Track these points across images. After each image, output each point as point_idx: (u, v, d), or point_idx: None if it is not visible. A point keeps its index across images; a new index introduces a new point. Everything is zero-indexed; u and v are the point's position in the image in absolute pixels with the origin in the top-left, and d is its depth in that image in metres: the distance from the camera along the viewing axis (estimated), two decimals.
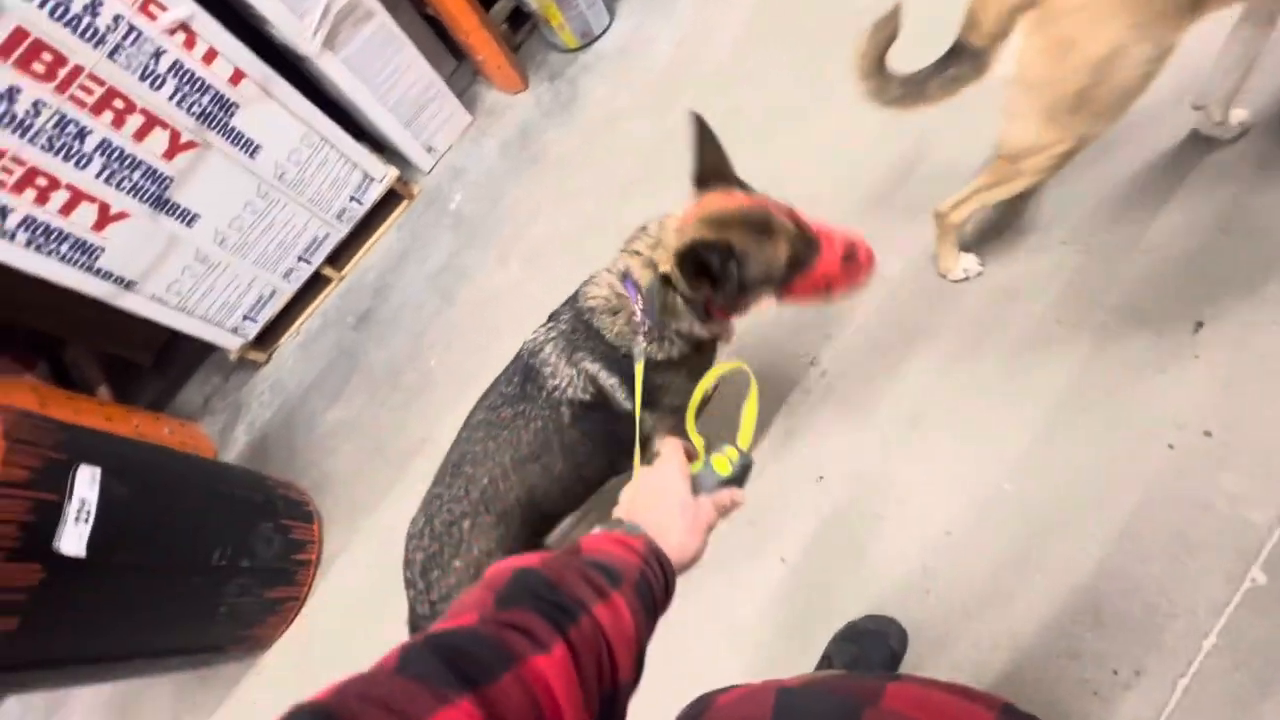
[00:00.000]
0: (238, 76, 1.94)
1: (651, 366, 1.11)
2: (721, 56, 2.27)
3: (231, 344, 2.40)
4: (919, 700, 0.56)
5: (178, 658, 1.77)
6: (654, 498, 0.68)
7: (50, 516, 1.37)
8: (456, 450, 1.23)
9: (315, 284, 2.54)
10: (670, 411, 1.23)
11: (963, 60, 1.08)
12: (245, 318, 2.38)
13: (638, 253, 1.13)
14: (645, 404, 1.14)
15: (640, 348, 1.06)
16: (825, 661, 1.37)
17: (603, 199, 2.22)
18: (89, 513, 1.41)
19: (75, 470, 1.44)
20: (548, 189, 2.35)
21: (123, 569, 1.49)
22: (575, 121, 2.44)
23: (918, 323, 1.63)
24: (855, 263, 1.10)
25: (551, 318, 1.26)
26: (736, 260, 1.01)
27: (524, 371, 1.20)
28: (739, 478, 0.77)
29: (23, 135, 1.70)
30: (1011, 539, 1.37)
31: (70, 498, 1.40)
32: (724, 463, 0.76)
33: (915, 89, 1.13)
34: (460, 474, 1.19)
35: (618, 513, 0.69)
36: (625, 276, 1.13)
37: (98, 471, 1.48)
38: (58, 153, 1.76)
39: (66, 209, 1.84)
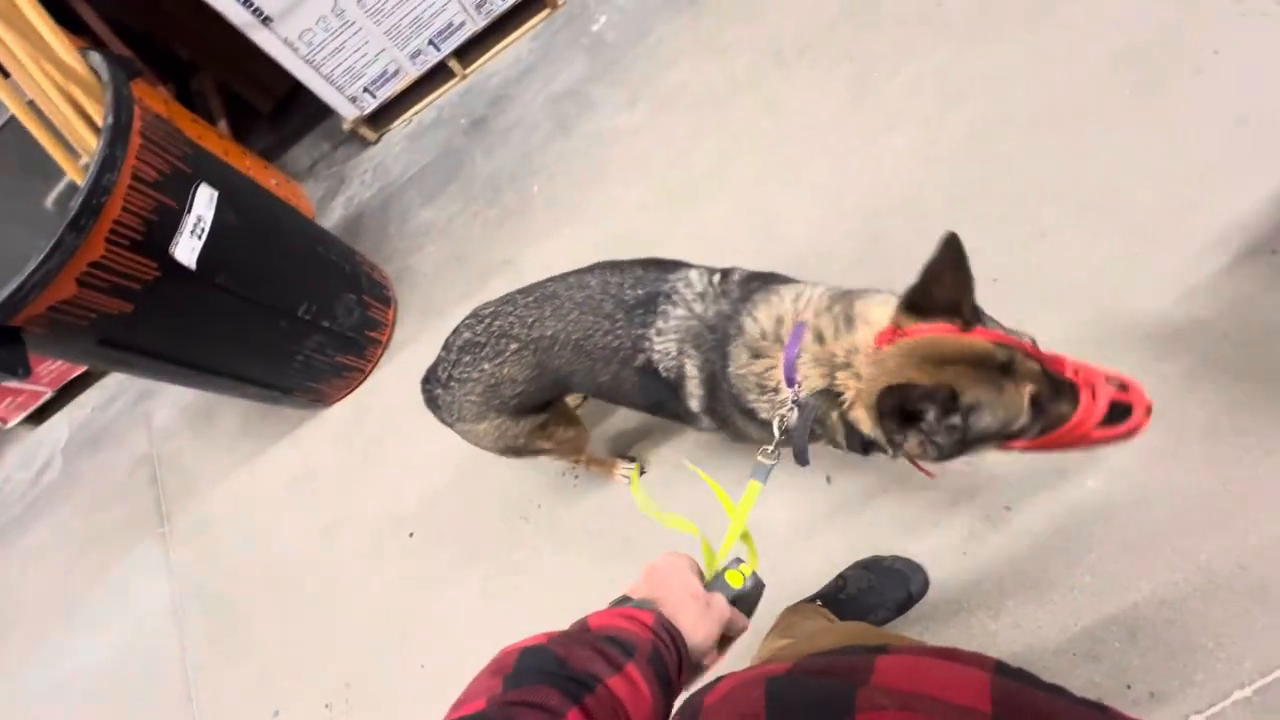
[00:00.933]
0: None
1: (753, 417, 1.00)
2: None
3: (348, 112, 2.38)
4: (910, 670, 0.54)
5: (253, 387, 1.93)
6: (665, 578, 0.65)
7: (170, 222, 1.44)
8: (557, 283, 1.19)
9: (438, 74, 2.45)
10: (729, 430, 1.13)
11: None
12: (365, 89, 2.34)
13: (823, 338, 0.91)
14: (719, 420, 1.09)
15: (769, 416, 0.95)
16: (839, 581, 1.39)
17: (756, 62, 2.01)
18: (203, 230, 1.47)
19: (197, 187, 1.49)
20: (701, 35, 2.14)
21: (223, 291, 1.59)
22: None
23: (1055, 293, 1.46)
24: (1121, 419, 0.83)
25: (719, 284, 1.06)
26: (962, 413, 0.80)
27: (649, 296, 1.08)
28: (751, 595, 0.72)
29: None
30: (1074, 537, 1.31)
31: (190, 210, 1.46)
32: (737, 577, 0.71)
33: None
34: (542, 306, 1.17)
35: (629, 592, 0.66)
36: (799, 329, 0.94)
37: (215, 194, 1.53)
38: None
39: None
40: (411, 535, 1.90)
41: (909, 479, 1.44)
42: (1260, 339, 1.30)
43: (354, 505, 2.02)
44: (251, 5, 1.95)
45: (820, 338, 0.92)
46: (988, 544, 1.35)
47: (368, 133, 2.52)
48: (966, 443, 0.85)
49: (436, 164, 2.42)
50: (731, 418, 1.07)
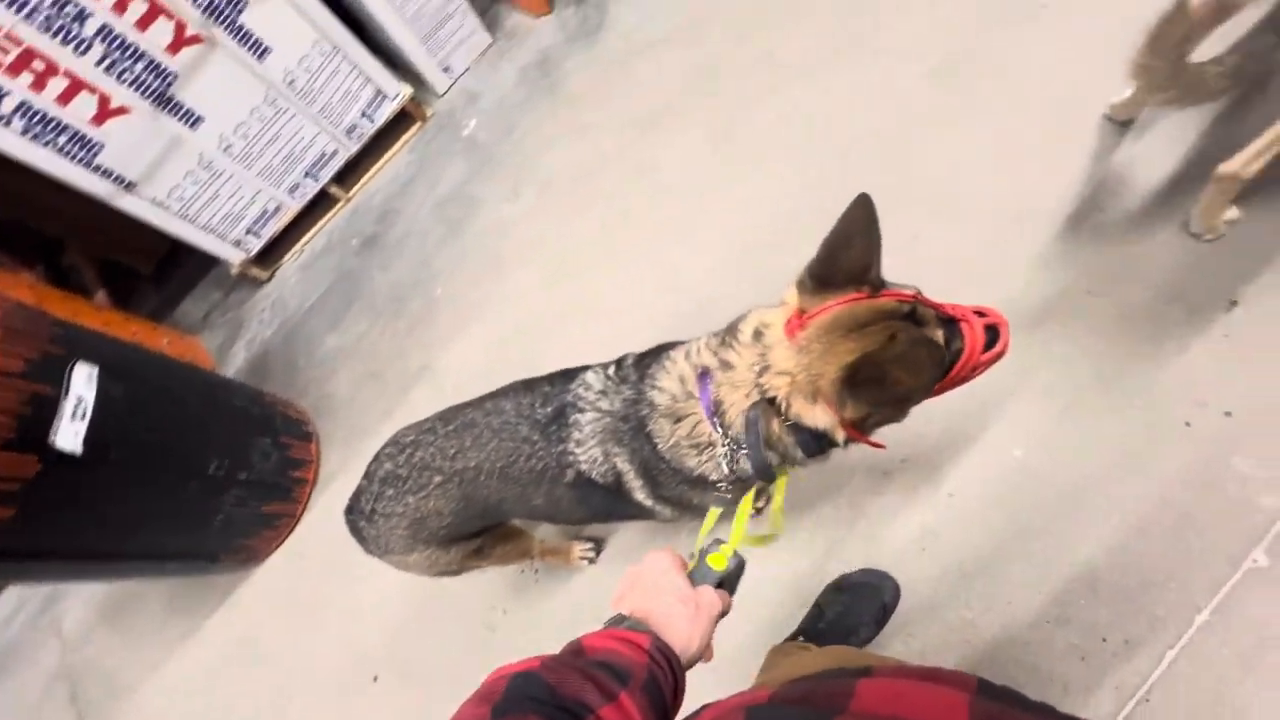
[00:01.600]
0: None
1: (711, 484, 0.98)
2: None
3: (233, 257, 2.35)
4: (889, 695, 0.54)
5: (173, 563, 1.79)
6: (651, 589, 0.65)
7: (47, 409, 1.35)
8: (474, 410, 1.16)
9: (321, 202, 2.47)
10: (690, 511, 1.10)
11: None
12: (248, 231, 2.32)
13: (729, 365, 0.91)
14: (674, 504, 1.07)
15: (719, 475, 0.93)
16: (816, 610, 1.38)
17: (621, 136, 2.14)
18: (86, 410, 1.39)
19: (73, 366, 1.41)
20: (565, 120, 2.26)
21: (119, 469, 1.48)
22: (598, 51, 2.32)
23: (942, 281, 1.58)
24: (994, 342, 0.90)
25: (615, 375, 1.06)
26: (907, 369, 0.79)
27: (557, 411, 1.06)
28: (734, 575, 0.73)
29: (19, 11, 1.60)
30: (1015, 506, 1.36)
31: (68, 393, 1.37)
32: (720, 559, 0.72)
33: (1214, 73, 1.02)
34: (461, 436, 1.14)
35: (615, 606, 0.66)
36: (704, 375, 0.93)
37: (95, 370, 1.45)
38: (56, 34, 1.66)
39: (64, 97, 1.75)
40: (376, 679, 1.76)
41: (857, 495, 1.47)
42: (1116, 287, 1.44)
43: (307, 663, 1.86)
44: (111, 174, 1.93)
45: (727, 366, 0.91)
46: (942, 536, 1.39)
47: (258, 272, 2.48)
48: (907, 398, 0.86)
49: (335, 288, 2.39)
50: (684, 496, 1.05)
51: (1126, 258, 1.46)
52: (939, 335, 0.85)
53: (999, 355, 0.91)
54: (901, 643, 1.35)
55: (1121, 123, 1.56)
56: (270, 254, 2.47)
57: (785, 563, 1.47)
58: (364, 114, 2.31)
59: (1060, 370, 1.42)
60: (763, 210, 1.83)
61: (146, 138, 1.92)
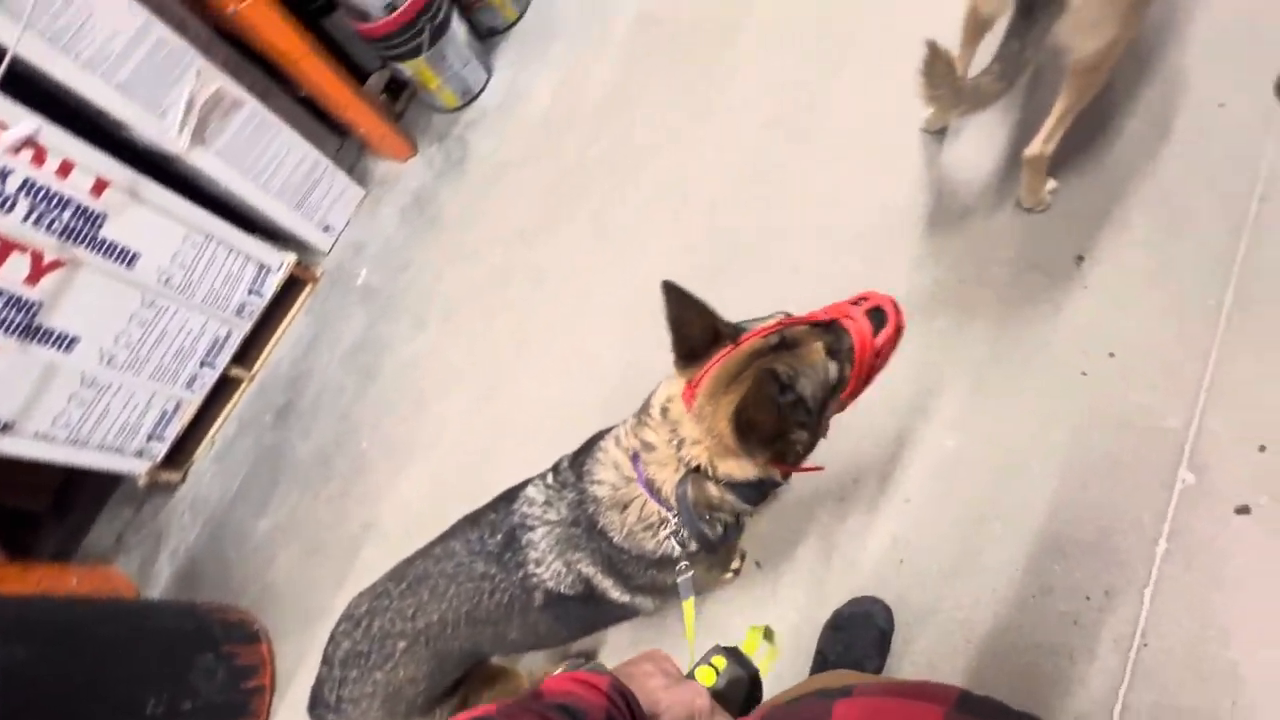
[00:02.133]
0: (100, 186, 1.83)
1: (672, 563, 0.97)
2: (600, 91, 2.34)
3: (138, 469, 2.20)
4: (866, 714, 0.54)
5: None
6: (635, 658, 0.66)
7: None
8: (424, 562, 1.11)
9: (224, 388, 2.38)
10: (666, 593, 1.09)
11: (1038, 12, 1.09)
12: (150, 438, 2.20)
13: (650, 445, 0.93)
14: (650, 592, 1.06)
15: (676, 553, 0.93)
16: (819, 658, 1.34)
17: (507, 247, 2.21)
18: None
19: None
20: (451, 247, 2.32)
21: None
22: (468, 177, 2.44)
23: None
24: (886, 320, 0.94)
25: (554, 482, 1.05)
26: (794, 392, 0.83)
27: (507, 536, 1.04)
28: (730, 692, 0.70)
29: None
30: (966, 494, 1.40)
31: None
32: (709, 674, 0.71)
33: (986, 83, 1.16)
34: (417, 591, 1.08)
35: None
36: (635, 457, 0.95)
37: None
38: None
39: None
40: None
41: (822, 529, 1.48)
42: (981, 271, 1.58)
43: None
44: None
45: (649, 446, 0.94)
46: (912, 543, 1.40)
47: (169, 477, 2.33)
48: (817, 412, 0.88)
49: (256, 470, 2.28)
50: (656, 580, 1.03)
51: (981, 244, 1.61)
52: (817, 346, 0.88)
53: (897, 331, 0.94)
54: (909, 661, 1.33)
55: (936, 132, 1.76)
56: (179, 454, 2.34)
57: (778, 618, 1.44)
58: (251, 291, 2.29)
59: (960, 356, 1.52)
60: (654, 279, 1.91)
61: (17, 374, 1.83)
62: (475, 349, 2.09)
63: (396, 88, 2.65)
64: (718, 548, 1.00)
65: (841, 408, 0.97)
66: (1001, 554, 1.34)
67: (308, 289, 2.51)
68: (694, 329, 0.90)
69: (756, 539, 1.51)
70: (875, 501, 1.47)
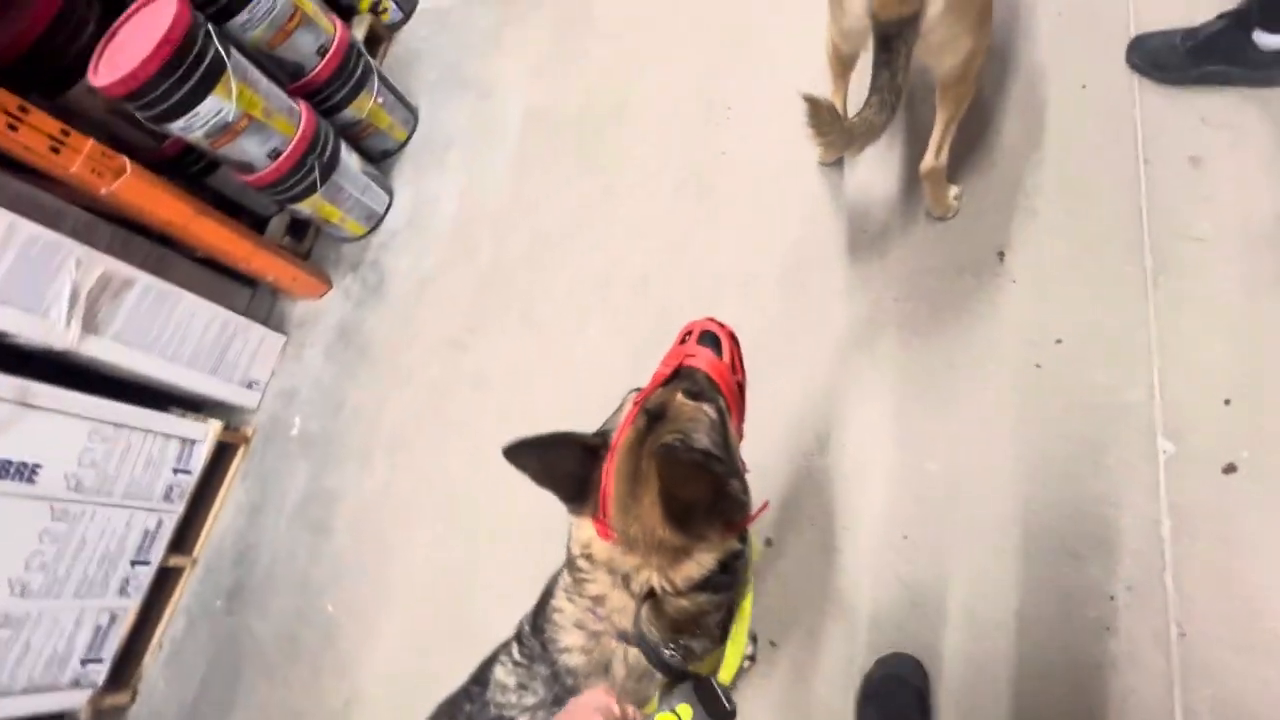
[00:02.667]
0: None
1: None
2: (505, 190, 2.34)
3: (76, 702, 1.95)
4: None
5: None
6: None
7: None
8: None
9: (164, 581, 2.17)
10: None
11: (895, 43, 1.14)
12: (85, 662, 1.96)
13: (600, 598, 0.81)
14: None
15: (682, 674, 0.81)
16: None
17: (443, 361, 2.13)
18: None
19: None
20: (385, 374, 2.23)
21: None
22: (389, 300, 2.37)
23: (778, 353, 1.65)
24: (718, 337, 0.94)
25: (521, 657, 0.91)
26: (685, 481, 0.75)
27: None
28: None
29: None
30: (958, 515, 1.35)
31: None
32: None
33: (871, 117, 1.19)
34: None
35: None
36: (595, 603, 0.82)
37: None
38: None
39: None
40: None
41: (829, 589, 1.39)
42: (912, 286, 1.58)
43: None
44: None
45: (599, 599, 0.81)
46: (921, 581, 1.33)
47: (116, 700, 2.07)
48: (726, 451, 0.83)
49: (215, 666, 2.05)
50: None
51: (905, 259, 1.62)
52: (679, 399, 0.84)
53: (732, 339, 0.95)
54: (957, 716, 1.23)
55: (833, 164, 1.79)
56: (123, 670, 2.09)
57: (815, 702, 1.32)
58: (177, 470, 2.12)
59: (914, 375, 1.50)
60: (598, 366, 1.86)
61: None
62: (429, 478, 1.97)
63: (300, 227, 2.59)
64: (722, 641, 0.89)
65: (740, 435, 0.92)
66: (1012, 570, 1.27)
67: (240, 452, 2.35)
68: (566, 465, 0.82)
69: (763, 616, 1.40)
70: (873, 545, 1.40)
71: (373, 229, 2.55)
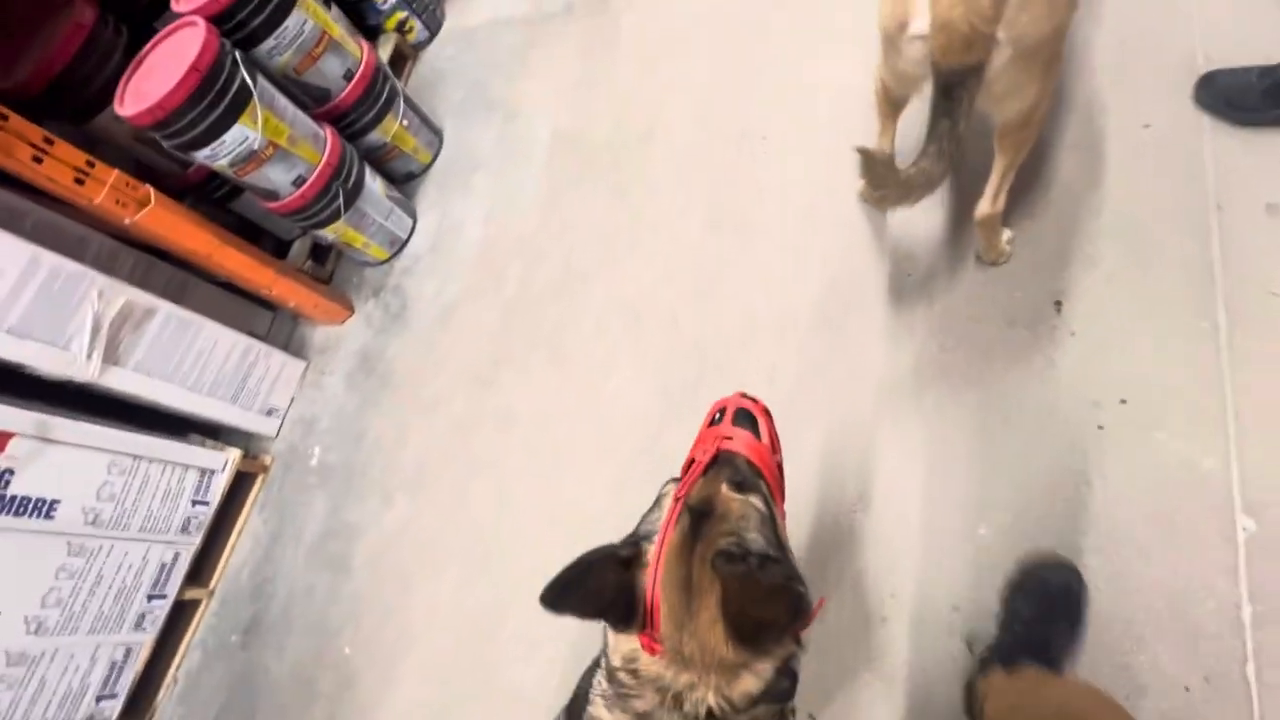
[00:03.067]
0: (3, 439, 1.65)
1: None
2: (531, 217, 2.28)
3: None
4: None
5: None
6: None
7: None
8: None
9: (180, 614, 2.13)
10: None
11: (957, 91, 1.05)
12: (100, 699, 1.92)
13: (647, 715, 0.73)
14: None
15: None
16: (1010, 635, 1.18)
17: (468, 394, 2.08)
18: None
19: None
20: (408, 404, 2.18)
21: None
22: (412, 327, 2.32)
23: (816, 399, 1.57)
24: (754, 415, 0.91)
25: None
26: (755, 557, 0.72)
27: None
28: None
29: None
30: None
31: None
32: None
33: (928, 168, 1.12)
34: None
35: None
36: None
37: None
38: None
39: None
40: None
41: (873, 658, 1.31)
42: (961, 335, 1.50)
43: None
44: None
45: (645, 717, 0.73)
46: (967, 652, 1.25)
47: None
48: (780, 547, 0.78)
49: (229, 704, 2.00)
50: None
51: (953, 306, 1.54)
52: (724, 492, 0.79)
53: (767, 415, 0.92)
54: None
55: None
56: (137, 705, 2.05)
57: None
58: (195, 501, 2.09)
59: (964, 430, 1.42)
60: (628, 408, 1.79)
61: None
62: (453, 518, 1.91)
63: (322, 251, 2.56)
64: None
65: (783, 515, 0.87)
66: (1078, 655, 1.18)
67: (259, 481, 2.31)
68: (607, 590, 0.75)
69: (805, 691, 1.33)
70: (921, 615, 1.32)
71: (396, 253, 2.51)
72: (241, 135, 1.89)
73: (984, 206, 1.36)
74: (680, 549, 0.74)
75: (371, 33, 2.89)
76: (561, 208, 2.24)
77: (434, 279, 2.38)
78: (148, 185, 1.83)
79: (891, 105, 1.42)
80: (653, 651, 0.72)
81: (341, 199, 2.21)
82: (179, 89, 1.73)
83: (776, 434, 0.92)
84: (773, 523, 0.79)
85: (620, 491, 1.70)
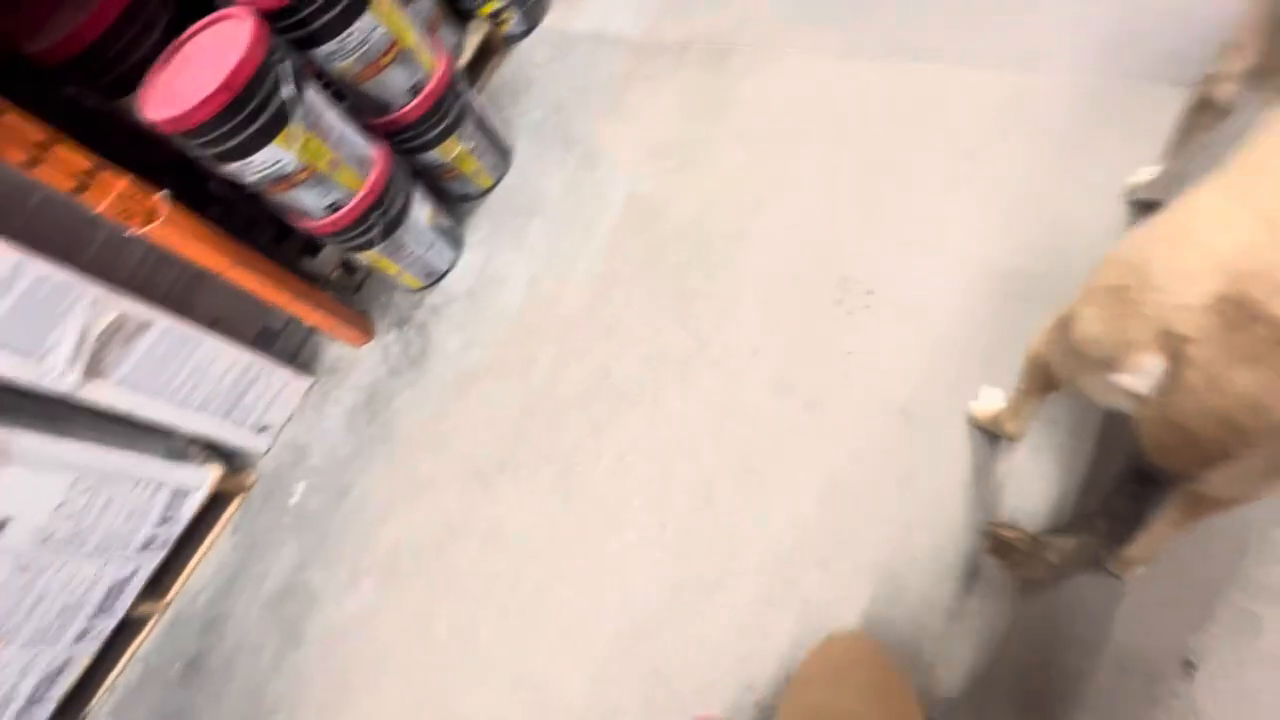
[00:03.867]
0: None
1: None
2: (581, 295, 2.00)
3: None
4: None
5: None
6: None
7: None
8: None
9: (130, 624, 2.03)
10: None
11: (1162, 481, 0.75)
12: (30, 701, 1.85)
13: None
14: None
15: None
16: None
17: (463, 490, 1.85)
18: None
19: None
20: (400, 476, 1.97)
21: None
22: (427, 382, 2.10)
23: None
24: None
25: None
26: None
27: None
28: None
29: None
30: None
31: None
32: None
33: (1092, 545, 0.84)
34: None
35: None
36: None
37: None
38: None
39: None
40: None
41: None
42: (1058, 663, 1.18)
43: None
44: None
45: None
46: None
47: None
48: None
49: None
50: None
51: (1050, 614, 1.22)
52: None
53: None
54: None
55: (990, 433, 1.38)
56: (70, 709, 1.98)
57: None
58: (163, 520, 1.96)
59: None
60: (628, 584, 1.54)
61: None
62: (413, 632, 1.72)
63: (352, 263, 2.34)
64: None
65: None
66: None
67: (238, 500, 2.16)
68: None
69: None
70: None
71: (432, 285, 2.27)
72: (274, 157, 1.64)
73: (1135, 553, 1.03)
74: None
75: (464, 17, 2.58)
76: (615, 297, 1.94)
77: (461, 333, 2.13)
78: (159, 195, 1.61)
79: (1043, 385, 1.07)
80: None
81: (379, 229, 1.96)
82: (206, 104, 1.48)
83: None
84: None
85: (593, 684, 1.47)
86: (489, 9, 2.56)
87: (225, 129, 1.54)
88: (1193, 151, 1.22)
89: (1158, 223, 0.74)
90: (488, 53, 2.65)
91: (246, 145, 1.59)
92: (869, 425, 1.50)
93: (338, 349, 2.32)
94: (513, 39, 2.69)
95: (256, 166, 1.65)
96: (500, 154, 2.35)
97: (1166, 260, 0.67)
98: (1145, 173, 1.43)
